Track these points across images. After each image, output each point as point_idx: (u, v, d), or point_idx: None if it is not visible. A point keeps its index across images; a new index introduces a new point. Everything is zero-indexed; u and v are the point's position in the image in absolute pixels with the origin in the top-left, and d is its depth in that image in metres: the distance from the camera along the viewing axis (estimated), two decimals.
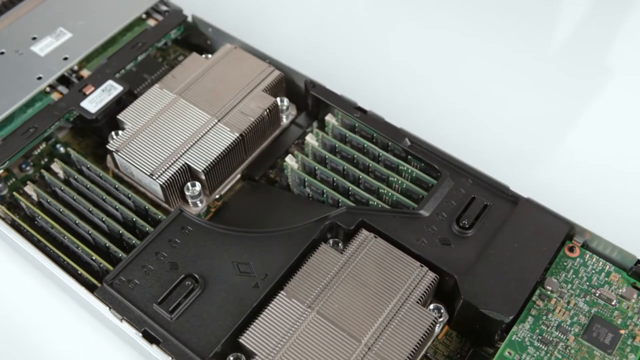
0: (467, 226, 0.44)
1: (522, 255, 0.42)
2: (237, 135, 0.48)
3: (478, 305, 0.40)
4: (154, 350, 0.40)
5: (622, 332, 0.40)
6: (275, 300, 0.41)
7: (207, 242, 0.43)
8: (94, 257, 0.44)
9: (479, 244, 0.43)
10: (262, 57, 0.53)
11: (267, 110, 0.50)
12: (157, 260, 0.42)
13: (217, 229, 0.44)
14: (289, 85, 0.54)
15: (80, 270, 0.44)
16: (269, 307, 0.40)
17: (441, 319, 0.42)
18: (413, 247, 0.43)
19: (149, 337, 0.40)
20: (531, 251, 0.42)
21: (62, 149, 0.52)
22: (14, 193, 0.49)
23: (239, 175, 0.51)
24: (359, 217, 0.44)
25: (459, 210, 0.44)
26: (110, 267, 0.43)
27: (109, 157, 0.50)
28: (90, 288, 0.43)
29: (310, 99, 0.52)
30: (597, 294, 0.42)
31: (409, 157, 0.48)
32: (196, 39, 0.59)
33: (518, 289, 0.41)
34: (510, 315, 0.40)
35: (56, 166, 0.50)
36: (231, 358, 0.40)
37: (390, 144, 0.48)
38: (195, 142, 0.48)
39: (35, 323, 0.47)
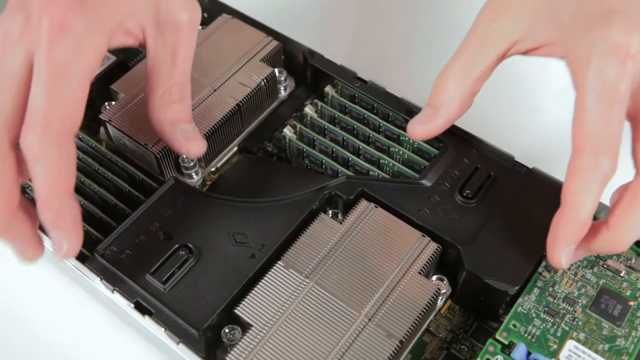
0: (470, 196, 0.42)
1: (527, 226, 0.41)
2: (234, 104, 0.47)
3: (482, 276, 0.39)
4: (146, 321, 0.39)
5: (631, 303, 0.39)
6: (272, 270, 0.39)
7: (202, 212, 0.42)
8: (85, 228, 0.43)
9: (482, 214, 0.42)
10: (260, 27, 0.52)
11: (265, 80, 0.48)
12: (151, 230, 0.41)
13: (213, 198, 0.42)
14: (288, 57, 0.52)
15: None
16: (265, 278, 0.39)
17: (444, 291, 0.41)
18: (415, 217, 0.41)
19: (141, 308, 0.39)
20: (537, 221, 0.41)
21: None
22: None
23: (235, 148, 0.49)
24: (358, 187, 0.43)
25: (462, 180, 0.43)
26: (103, 238, 0.42)
27: (102, 129, 0.49)
28: (81, 259, 0.41)
29: (309, 70, 0.51)
30: (606, 266, 0.41)
31: None
32: None
33: (523, 259, 0.40)
34: (515, 285, 0.39)
35: None
36: (226, 330, 0.38)
37: (391, 114, 0.47)
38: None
39: (23, 295, 0.46)
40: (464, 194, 0.42)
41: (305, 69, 0.51)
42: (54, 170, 0.35)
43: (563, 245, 0.37)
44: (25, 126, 0.35)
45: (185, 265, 0.39)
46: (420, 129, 0.41)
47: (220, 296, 0.38)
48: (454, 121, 0.42)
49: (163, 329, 0.38)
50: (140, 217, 0.41)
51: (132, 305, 0.39)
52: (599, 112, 0.35)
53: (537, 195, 0.42)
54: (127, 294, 0.39)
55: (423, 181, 0.43)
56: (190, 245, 0.40)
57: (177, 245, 0.40)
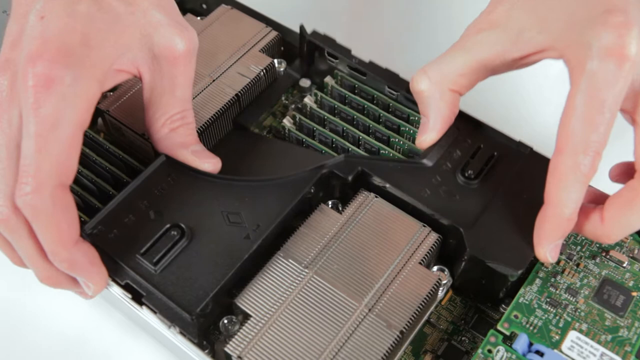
0: (472, 177, 0.41)
1: (531, 207, 0.39)
2: (233, 95, 0.46)
3: (485, 259, 0.38)
4: (136, 305, 0.38)
5: (634, 294, 0.39)
6: (271, 260, 0.39)
7: (195, 191, 0.40)
8: (82, 219, 0.43)
9: (485, 196, 0.40)
10: (259, 18, 0.52)
11: (264, 71, 0.48)
12: (140, 209, 0.39)
13: (206, 176, 0.41)
14: (287, 48, 0.52)
15: None
16: (265, 268, 0.39)
17: (445, 282, 0.41)
18: (415, 198, 0.40)
19: (132, 291, 0.37)
20: (541, 202, 0.38)
21: None
22: None
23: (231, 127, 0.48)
24: (357, 166, 0.41)
25: (465, 160, 0.42)
26: None
27: (99, 120, 0.49)
28: None
29: (306, 46, 0.49)
30: (608, 256, 0.40)
31: (411, 118, 0.46)
32: (191, 3, 0.57)
33: (527, 242, 0.38)
34: (519, 269, 0.37)
35: None
36: (225, 321, 0.38)
37: (391, 104, 0.47)
38: None
39: (7, 280, 0.45)
40: (466, 175, 0.41)
41: (301, 46, 0.50)
42: (52, 226, 0.34)
43: (547, 242, 0.37)
44: (17, 185, 0.34)
45: (177, 245, 0.38)
46: (424, 140, 0.41)
47: (213, 278, 0.37)
48: (449, 119, 0.41)
49: (154, 314, 0.37)
50: (129, 195, 0.39)
51: (122, 288, 0.38)
52: (586, 115, 0.34)
53: (542, 176, 0.38)
54: (117, 276, 0.38)
55: (424, 161, 0.42)
56: (182, 225, 0.38)
57: (168, 225, 0.38)
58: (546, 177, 0.36)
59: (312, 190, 0.41)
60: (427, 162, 0.42)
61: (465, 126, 0.43)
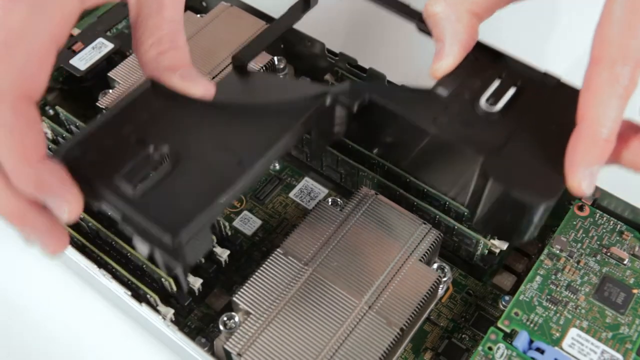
0: (493, 104, 0.36)
1: (559, 138, 0.34)
2: None
3: (511, 189, 0.33)
4: (136, 302, 0.38)
5: (635, 291, 0.39)
6: (270, 257, 0.39)
7: (183, 116, 0.36)
8: (82, 216, 0.42)
9: (507, 127, 0.36)
10: (259, 15, 0.52)
11: (264, 68, 0.48)
12: (122, 134, 0.35)
13: (196, 101, 0.36)
14: (287, 46, 0.52)
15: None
16: (264, 265, 0.39)
17: (445, 279, 0.40)
18: (430, 127, 0.35)
19: (107, 216, 0.35)
20: (569, 135, 0.33)
21: (51, 111, 0.51)
22: None
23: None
24: (364, 94, 0.37)
25: (484, 89, 0.37)
26: (101, 227, 0.41)
27: None
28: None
29: None
30: (609, 254, 0.40)
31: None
32: (191, 0, 0.57)
33: (558, 172, 0.33)
34: (550, 199, 0.33)
35: (44, 125, 0.48)
36: (224, 318, 0.38)
37: None
38: None
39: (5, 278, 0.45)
40: (488, 101, 0.36)
41: None
42: (15, 139, 0.31)
43: (582, 168, 0.33)
44: None
45: (160, 169, 0.34)
46: (439, 67, 0.37)
47: (201, 202, 0.32)
48: (467, 44, 0.37)
49: (132, 236, 0.33)
50: (111, 119, 0.36)
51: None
52: (625, 19, 0.30)
53: (572, 109, 0.33)
54: (91, 199, 0.33)
55: (439, 89, 0.37)
56: (167, 150, 0.34)
57: (151, 149, 0.34)
58: (580, 95, 0.32)
59: (311, 119, 0.37)
60: (442, 91, 0.37)
61: (484, 57, 0.38)
